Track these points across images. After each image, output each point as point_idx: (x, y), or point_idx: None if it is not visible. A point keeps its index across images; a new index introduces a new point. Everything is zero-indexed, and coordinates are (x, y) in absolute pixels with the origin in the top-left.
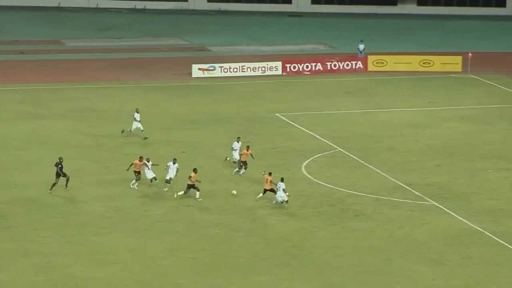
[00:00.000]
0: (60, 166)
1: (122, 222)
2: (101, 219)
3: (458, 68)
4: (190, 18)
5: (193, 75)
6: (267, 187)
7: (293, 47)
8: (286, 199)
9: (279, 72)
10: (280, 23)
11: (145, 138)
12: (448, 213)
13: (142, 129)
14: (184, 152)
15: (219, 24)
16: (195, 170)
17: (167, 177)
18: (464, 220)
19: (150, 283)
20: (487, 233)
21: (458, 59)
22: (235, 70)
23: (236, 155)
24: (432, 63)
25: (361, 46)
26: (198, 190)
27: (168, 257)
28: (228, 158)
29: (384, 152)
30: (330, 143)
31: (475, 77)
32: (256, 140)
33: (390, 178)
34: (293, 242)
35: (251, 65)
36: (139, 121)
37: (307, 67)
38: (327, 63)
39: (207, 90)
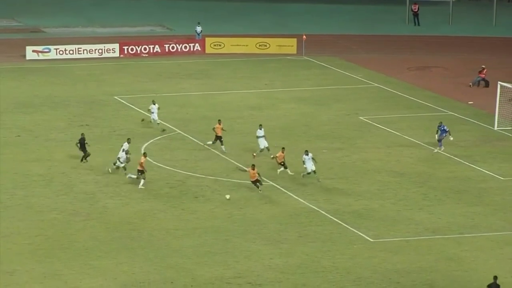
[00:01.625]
0: (82, 142)
1: None
2: None
3: (293, 50)
4: None
5: (27, 57)
6: (280, 160)
7: (130, 29)
8: (313, 169)
9: (117, 54)
10: (116, 5)
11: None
12: (285, 193)
13: (158, 122)
14: (19, 136)
15: (53, 5)
16: (144, 155)
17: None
18: (301, 200)
19: None
20: (322, 212)
21: (293, 41)
22: (71, 52)
23: (262, 143)
24: (268, 46)
25: (198, 29)
26: (143, 178)
27: (3, 243)
28: (255, 154)
29: (223, 134)
30: (170, 126)
31: (310, 59)
32: (94, 123)
33: (229, 159)
34: (133, 225)
35: (88, 47)
36: (154, 113)
37: (145, 49)
38: (165, 45)
39: (43, 73)
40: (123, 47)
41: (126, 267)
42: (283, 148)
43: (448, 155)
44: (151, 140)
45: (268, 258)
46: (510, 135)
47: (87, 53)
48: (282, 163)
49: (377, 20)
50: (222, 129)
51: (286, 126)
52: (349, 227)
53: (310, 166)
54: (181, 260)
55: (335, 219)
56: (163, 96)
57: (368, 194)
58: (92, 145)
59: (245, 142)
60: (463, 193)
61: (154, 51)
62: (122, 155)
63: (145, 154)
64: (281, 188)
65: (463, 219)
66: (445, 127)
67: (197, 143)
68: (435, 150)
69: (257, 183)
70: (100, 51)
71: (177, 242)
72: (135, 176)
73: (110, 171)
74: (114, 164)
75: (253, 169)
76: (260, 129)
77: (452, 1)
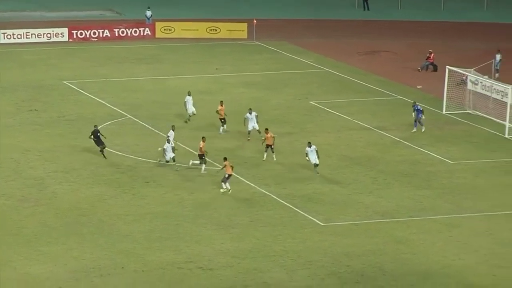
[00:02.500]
0: (95, 134)
1: None
2: None
3: (244, 35)
4: None
5: None
6: (269, 142)
7: (79, 13)
8: (317, 163)
9: (66, 38)
10: None
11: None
12: (237, 177)
13: (195, 113)
14: None
15: None
16: (203, 139)
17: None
18: (252, 184)
19: None
20: (273, 196)
21: (244, 26)
22: (19, 36)
23: (251, 125)
24: (219, 30)
25: (149, 13)
26: (204, 163)
27: None
28: (249, 139)
29: (174, 119)
30: (120, 111)
31: (260, 43)
32: (43, 108)
33: (181, 144)
34: (83, 211)
35: (36, 31)
36: (190, 104)
37: (94, 33)
38: (114, 29)
39: None
40: (72, 31)
41: (76, 253)
42: (267, 129)
43: (397, 138)
44: (101, 125)
45: (219, 242)
46: (458, 118)
47: (35, 37)
48: (268, 146)
49: (327, 4)
50: (223, 111)
51: (236, 110)
52: (299, 211)
53: (313, 158)
54: (131, 245)
55: (286, 203)
56: (113, 81)
57: (318, 179)
58: (40, 130)
59: (195, 128)
60: (411, 177)
61: (104, 35)
62: (168, 146)
63: (203, 138)
64: (232, 173)
65: (411, 203)
66: (419, 107)
67: (148, 128)
68: (413, 130)
69: (224, 179)
70: (48, 35)
71: (127, 227)
72: (198, 162)
73: (164, 161)
74: (166, 160)
75: (224, 160)
76: (250, 113)
77: None
